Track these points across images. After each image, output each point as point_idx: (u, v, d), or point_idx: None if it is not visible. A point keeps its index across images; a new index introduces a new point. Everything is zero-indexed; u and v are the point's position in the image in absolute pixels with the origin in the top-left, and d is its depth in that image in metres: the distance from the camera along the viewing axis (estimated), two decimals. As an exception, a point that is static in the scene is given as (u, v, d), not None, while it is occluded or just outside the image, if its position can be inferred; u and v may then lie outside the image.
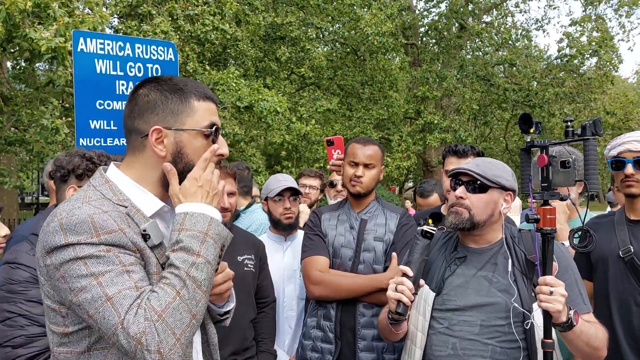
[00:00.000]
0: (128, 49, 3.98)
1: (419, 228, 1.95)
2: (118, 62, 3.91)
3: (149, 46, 4.12)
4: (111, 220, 1.28)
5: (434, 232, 1.89)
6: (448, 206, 2.16)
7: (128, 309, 1.20)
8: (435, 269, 2.16)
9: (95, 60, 3.81)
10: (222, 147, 1.47)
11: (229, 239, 1.41)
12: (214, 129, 1.45)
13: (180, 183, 1.41)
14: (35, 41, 5.41)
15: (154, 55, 4.12)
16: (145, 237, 1.35)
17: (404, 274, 1.96)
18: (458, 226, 2.08)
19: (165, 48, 4.21)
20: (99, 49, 3.84)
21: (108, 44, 3.89)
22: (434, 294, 2.09)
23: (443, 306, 2.07)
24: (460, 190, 2.08)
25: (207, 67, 9.90)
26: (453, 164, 2.98)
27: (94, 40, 3.83)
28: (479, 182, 2.05)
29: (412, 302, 1.96)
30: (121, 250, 1.27)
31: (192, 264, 1.27)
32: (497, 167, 2.09)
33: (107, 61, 3.87)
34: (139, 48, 4.04)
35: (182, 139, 1.41)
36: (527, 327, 1.94)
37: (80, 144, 3.69)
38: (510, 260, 2.06)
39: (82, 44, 3.77)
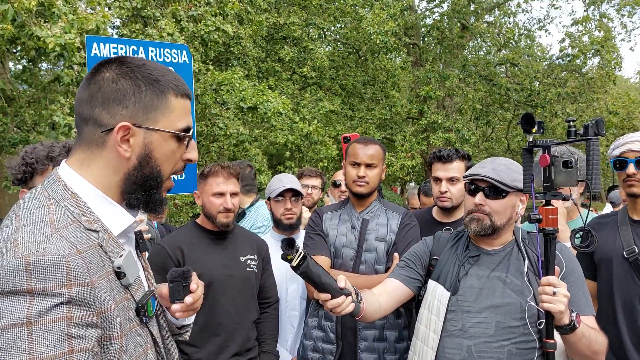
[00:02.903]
0: (141, 53, 4.04)
1: (290, 266, 1.72)
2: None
3: (162, 49, 4.16)
4: (85, 269, 1.06)
5: (302, 254, 1.70)
6: (466, 212, 2.15)
7: None
8: (448, 269, 2.15)
9: None
10: (192, 151, 1.31)
11: None
12: (190, 133, 1.27)
13: (144, 191, 1.23)
14: (42, 39, 5.43)
15: (167, 58, 4.15)
16: (119, 274, 1.16)
17: (326, 300, 1.81)
18: (480, 233, 2.08)
19: (179, 51, 4.23)
20: (112, 53, 3.89)
21: (121, 48, 3.95)
22: (449, 293, 2.08)
23: (457, 307, 2.06)
24: (480, 198, 2.08)
25: (210, 67, 9.90)
26: (439, 170, 3.01)
27: (107, 45, 3.89)
28: (498, 187, 2.05)
29: (354, 301, 1.85)
30: (84, 313, 1.04)
31: None
32: (513, 171, 2.08)
33: None
34: (152, 51, 4.09)
35: (152, 140, 1.21)
36: (541, 327, 1.94)
37: None
38: (526, 261, 2.06)
39: (95, 49, 3.84)
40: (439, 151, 3.03)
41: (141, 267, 1.38)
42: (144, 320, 1.23)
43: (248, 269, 2.80)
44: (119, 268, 1.16)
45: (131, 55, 3.96)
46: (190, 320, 1.56)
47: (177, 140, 1.25)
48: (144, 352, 1.23)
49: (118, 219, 1.22)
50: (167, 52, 4.16)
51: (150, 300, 1.25)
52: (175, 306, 1.41)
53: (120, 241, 1.22)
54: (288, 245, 1.66)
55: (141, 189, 1.24)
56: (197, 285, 1.44)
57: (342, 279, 1.84)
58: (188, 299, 1.40)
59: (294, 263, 1.67)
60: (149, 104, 1.20)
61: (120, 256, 1.17)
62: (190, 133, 1.28)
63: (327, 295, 1.79)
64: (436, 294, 2.12)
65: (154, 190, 1.25)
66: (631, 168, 2.52)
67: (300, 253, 1.68)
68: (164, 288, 1.46)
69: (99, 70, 1.22)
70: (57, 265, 1.01)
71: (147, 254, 1.64)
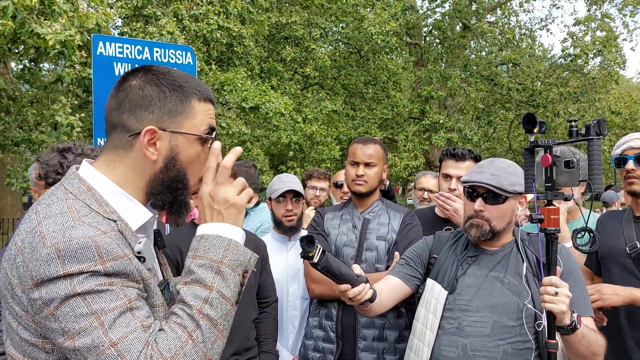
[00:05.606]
0: (146, 53, 4.15)
1: (310, 263, 1.78)
2: (137, 66, 4.06)
3: (167, 50, 4.27)
4: (114, 244, 1.10)
5: (321, 248, 1.77)
6: (466, 217, 2.15)
7: (137, 357, 1.04)
8: (446, 268, 2.16)
9: (114, 63, 4.00)
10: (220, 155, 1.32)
11: (252, 263, 1.25)
12: (213, 134, 1.31)
13: (170, 192, 1.27)
14: (42, 37, 5.43)
15: (172, 59, 4.26)
16: (140, 259, 1.18)
17: (346, 290, 1.87)
18: (480, 238, 2.09)
19: (184, 52, 4.35)
20: (117, 53, 4.01)
21: (127, 48, 4.06)
22: (447, 292, 2.09)
23: (454, 306, 2.07)
24: (479, 204, 2.08)
25: (213, 67, 9.91)
26: (451, 167, 2.99)
27: (112, 44, 3.99)
28: (496, 193, 2.05)
29: (371, 287, 1.95)
30: (125, 281, 1.11)
31: (205, 301, 1.13)
32: (512, 174, 2.08)
33: (126, 64, 4.05)
34: (157, 52, 4.20)
35: (178, 143, 1.25)
36: (539, 329, 1.93)
37: (98, 143, 3.86)
38: (524, 263, 2.06)
39: (101, 48, 3.94)
40: (453, 149, 3.03)
41: (157, 261, 1.40)
42: None
43: None
44: (139, 252, 1.18)
45: (136, 54, 4.07)
46: None
47: (202, 143, 1.29)
48: None
49: (136, 214, 1.25)
50: (172, 53, 4.27)
51: (165, 288, 1.28)
52: None
53: (139, 235, 1.24)
54: (309, 243, 1.73)
55: (167, 190, 1.28)
56: None
57: (357, 267, 1.92)
58: None
59: (316, 259, 1.73)
60: (174, 109, 1.25)
61: (139, 242, 1.20)
62: (214, 134, 1.32)
63: (347, 286, 1.85)
64: (434, 293, 2.13)
65: (180, 192, 1.30)
66: (630, 164, 2.56)
67: (320, 248, 1.75)
68: None
69: (126, 79, 1.28)
70: (85, 246, 1.06)
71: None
